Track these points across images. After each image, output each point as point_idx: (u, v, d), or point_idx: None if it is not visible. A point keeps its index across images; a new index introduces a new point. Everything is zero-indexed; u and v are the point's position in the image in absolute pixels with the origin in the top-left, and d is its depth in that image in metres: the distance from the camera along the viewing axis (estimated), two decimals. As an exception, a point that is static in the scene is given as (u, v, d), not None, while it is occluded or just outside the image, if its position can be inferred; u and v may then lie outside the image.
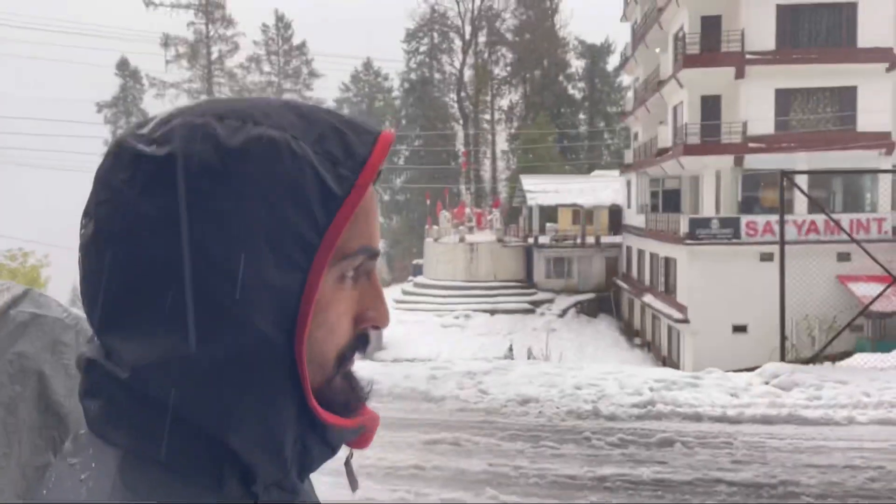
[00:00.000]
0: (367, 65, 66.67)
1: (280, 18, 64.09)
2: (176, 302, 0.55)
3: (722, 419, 6.71)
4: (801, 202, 20.59)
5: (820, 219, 20.82)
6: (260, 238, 0.56)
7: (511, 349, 21.86)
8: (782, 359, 8.77)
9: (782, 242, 8.98)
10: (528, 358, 21.38)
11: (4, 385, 1.60)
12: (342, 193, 0.59)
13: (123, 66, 63.38)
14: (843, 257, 20.31)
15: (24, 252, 26.09)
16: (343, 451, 0.68)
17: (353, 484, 0.72)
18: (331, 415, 0.62)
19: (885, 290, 8.90)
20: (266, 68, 64.29)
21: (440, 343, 30.07)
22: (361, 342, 0.65)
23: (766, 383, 7.79)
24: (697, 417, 6.76)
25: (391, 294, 40.80)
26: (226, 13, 60.43)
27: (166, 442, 0.57)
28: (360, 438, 0.67)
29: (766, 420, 6.66)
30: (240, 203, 0.56)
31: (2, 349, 1.63)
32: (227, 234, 0.55)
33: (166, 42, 59.01)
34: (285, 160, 0.57)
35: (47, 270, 25.69)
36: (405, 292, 39.59)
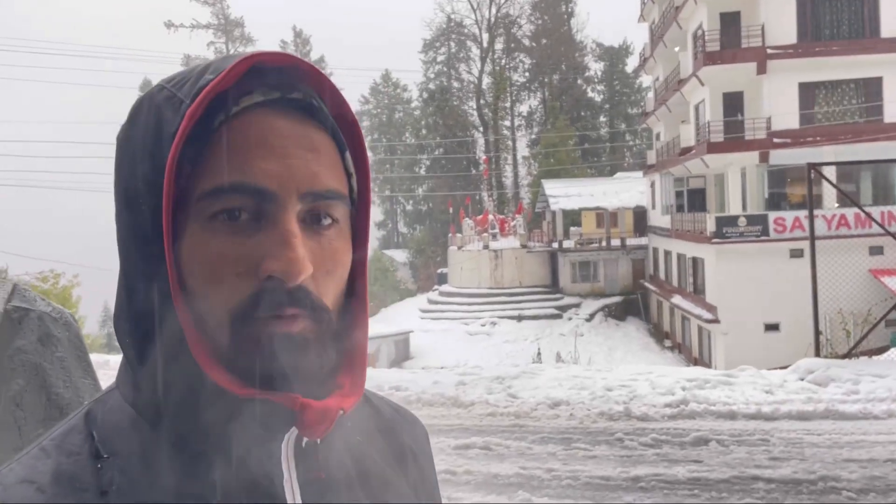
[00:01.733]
0: (386, 77, 67.11)
1: (298, 34, 64.79)
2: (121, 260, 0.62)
3: (757, 416, 6.60)
4: (829, 197, 20.25)
5: (850, 212, 20.45)
6: (120, 188, 0.61)
7: (539, 354, 21.73)
8: (817, 355, 8.61)
9: (812, 237, 8.82)
10: (557, 363, 21.23)
11: (9, 380, 1.59)
12: (174, 129, 0.57)
13: (146, 87, 64.08)
14: (876, 251, 19.90)
15: (56, 273, 26.53)
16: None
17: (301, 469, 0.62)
18: (220, 373, 0.57)
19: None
20: (286, 84, 64.95)
21: (467, 351, 30.01)
22: (267, 296, 0.57)
23: (802, 379, 7.65)
24: (732, 415, 6.65)
25: (417, 304, 40.87)
26: (245, 31, 61.27)
27: (125, 390, 0.63)
28: (303, 423, 0.59)
29: (802, 416, 6.53)
30: (118, 167, 0.62)
31: (2, 345, 1.63)
32: (115, 192, 0.62)
33: (187, 62, 59.89)
34: (141, 111, 0.61)
35: (77, 290, 26.09)
36: (431, 301, 39.60)
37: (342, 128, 0.65)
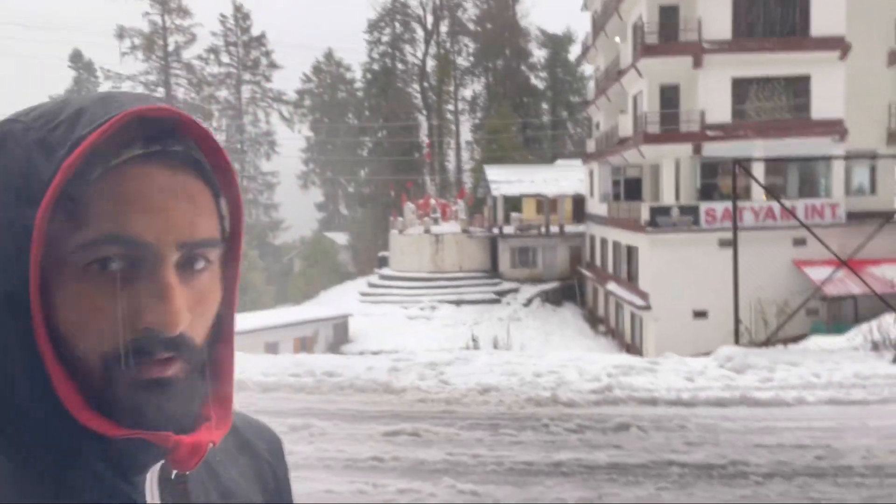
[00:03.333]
0: (329, 56, 66.06)
1: (238, 8, 63.03)
2: None
3: (677, 403, 6.84)
4: (758, 189, 20.99)
5: (776, 205, 21.25)
6: None
7: (474, 339, 21.96)
8: (736, 342, 8.97)
9: (735, 229, 9.17)
10: (494, 348, 21.50)
11: None
12: (48, 176, 0.56)
13: (77, 59, 61.87)
14: (799, 242, 20.77)
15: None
16: None
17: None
18: (95, 418, 0.58)
19: (832, 274, 9.14)
20: (225, 59, 63.23)
21: (406, 335, 30.08)
22: (142, 346, 0.58)
23: (721, 367, 7.96)
24: (653, 402, 6.88)
25: (357, 287, 40.68)
26: (182, 3, 59.21)
27: None
28: (175, 459, 0.61)
29: (719, 402, 6.81)
30: None
31: None
32: None
33: (121, 33, 57.70)
34: (11, 152, 0.59)
35: None
36: (371, 285, 39.49)
37: (217, 174, 0.65)
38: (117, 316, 0.57)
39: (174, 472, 0.63)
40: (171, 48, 59.50)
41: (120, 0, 58.89)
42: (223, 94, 63.20)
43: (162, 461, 0.62)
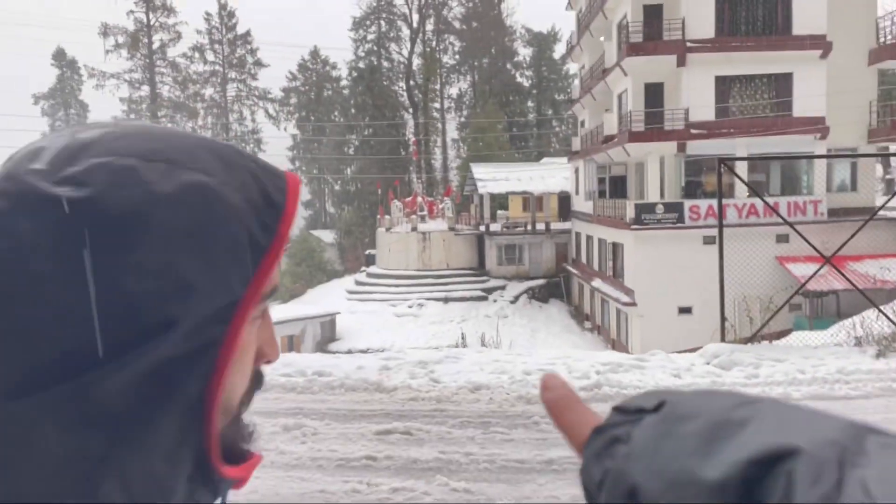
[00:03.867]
0: (315, 54, 65.89)
1: (223, 6, 62.71)
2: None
3: (665, 399, 6.94)
4: (742, 186, 21.20)
5: (759, 202, 21.48)
6: (188, 292, 0.51)
7: (463, 337, 22.04)
8: (723, 339, 9.09)
9: (720, 226, 9.27)
10: (482, 345, 21.60)
11: None
12: (266, 243, 0.57)
13: (60, 57, 61.26)
14: (782, 239, 20.99)
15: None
16: None
17: None
18: (229, 468, 0.57)
19: (817, 271, 9.29)
20: (210, 57, 62.93)
21: (394, 332, 30.13)
22: (258, 381, 0.62)
23: (708, 363, 8.07)
24: (642, 398, 6.98)
25: (344, 285, 40.65)
26: (167, 1, 58.84)
27: None
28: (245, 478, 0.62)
29: (706, 399, 6.91)
30: (168, 255, 0.50)
31: None
32: (149, 287, 0.49)
33: (105, 31, 57.24)
34: (217, 209, 0.53)
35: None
36: (358, 283, 39.48)
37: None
38: (253, 356, 0.60)
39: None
40: (155, 46, 59.14)
41: (102, -3, 58.34)
42: (208, 92, 62.95)
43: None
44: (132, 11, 58.30)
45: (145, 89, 59.63)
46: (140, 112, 58.24)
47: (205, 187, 0.53)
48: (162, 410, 0.50)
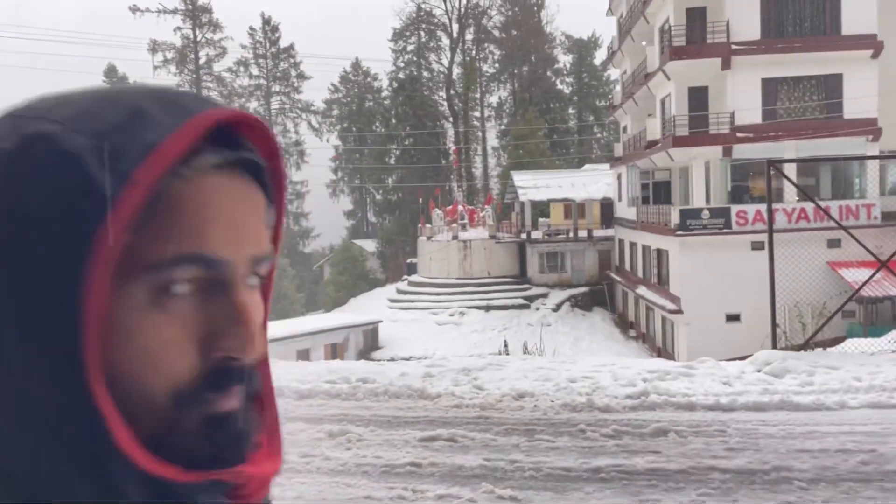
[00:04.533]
0: (356, 65, 66.66)
1: (267, 21, 63.96)
2: None
3: (715, 407, 6.77)
4: (790, 190, 20.69)
5: (809, 206, 20.93)
6: (22, 257, 0.47)
7: (506, 345, 21.93)
8: (774, 346, 8.85)
9: (770, 231, 9.05)
10: (525, 353, 21.43)
11: None
12: (113, 192, 0.47)
13: (111, 73, 63.22)
14: (834, 244, 20.42)
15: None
16: None
17: None
18: (159, 464, 0.49)
19: (873, 275, 8.99)
20: (255, 71, 64.21)
21: (436, 341, 30.14)
22: (217, 377, 0.52)
23: (759, 371, 7.86)
24: (691, 406, 6.82)
25: (386, 293, 40.84)
26: (213, 17, 60.29)
27: None
28: (244, 495, 0.55)
29: (758, 407, 6.72)
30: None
31: None
32: None
33: (154, 48, 58.86)
34: (50, 161, 0.48)
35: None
36: (400, 291, 39.65)
37: (273, 178, 0.59)
38: (191, 345, 0.51)
39: None
40: (202, 61, 60.60)
41: (152, 16, 60.10)
42: (253, 105, 64.12)
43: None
44: (179, 28, 59.87)
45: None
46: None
47: (43, 136, 0.48)
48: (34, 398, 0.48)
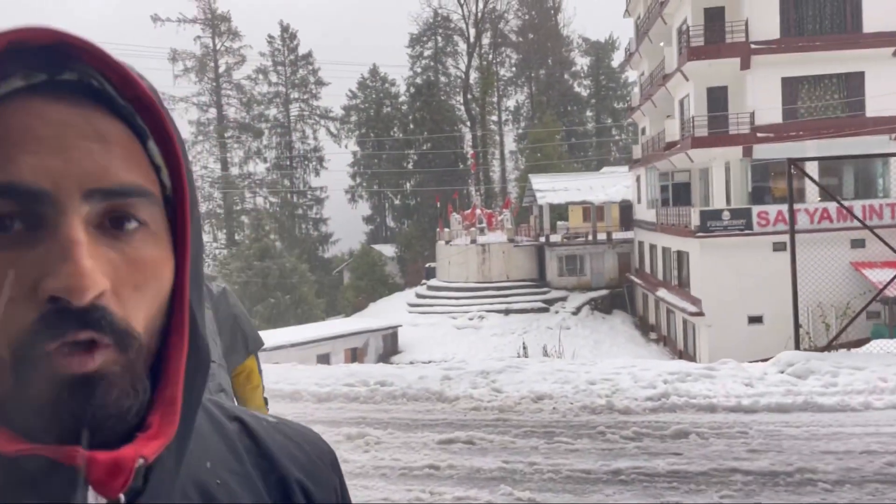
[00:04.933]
0: (374, 71, 66.88)
1: (285, 29, 64.42)
2: None
3: (737, 409, 6.69)
4: (812, 190, 20.44)
5: (832, 206, 20.68)
6: None
7: (525, 348, 21.86)
8: (797, 347, 8.73)
9: (792, 231, 8.94)
10: (544, 356, 21.37)
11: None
12: None
13: (131, 82, 63.90)
14: (857, 244, 20.17)
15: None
16: None
17: None
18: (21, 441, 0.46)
19: (898, 275, 8.83)
20: (273, 79, 64.63)
21: (455, 344, 30.12)
22: (47, 322, 0.46)
23: (782, 372, 7.75)
24: (712, 408, 6.74)
25: (405, 298, 40.89)
26: (232, 26, 60.84)
27: None
28: (93, 481, 0.47)
29: (781, 409, 6.63)
30: None
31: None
32: None
33: (174, 57, 59.49)
34: None
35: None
36: (419, 296, 39.67)
37: (140, 112, 0.53)
38: (16, 289, 0.46)
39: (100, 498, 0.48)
40: (221, 69, 61.14)
41: (172, 25, 60.84)
42: (272, 112, 64.56)
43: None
44: (199, 37, 60.49)
45: (213, 111, 61.61)
46: (207, 133, 60.20)
47: None
48: None
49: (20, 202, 0.46)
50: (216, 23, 60.41)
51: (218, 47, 60.88)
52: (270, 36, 64.37)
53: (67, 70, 0.50)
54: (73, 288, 0.45)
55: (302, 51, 65.04)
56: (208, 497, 0.57)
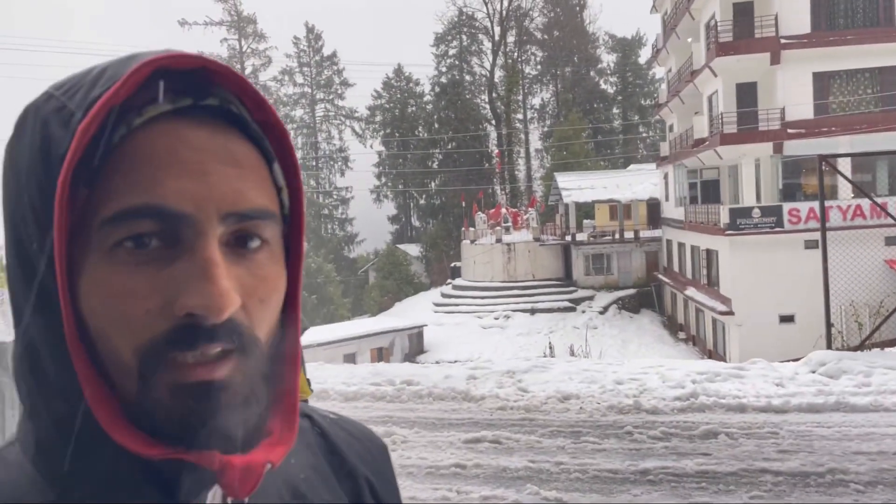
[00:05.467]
0: (398, 71, 67.08)
1: (310, 30, 64.91)
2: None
3: (767, 409, 6.60)
4: (845, 187, 20.05)
5: (865, 203, 20.28)
6: (7, 214, 0.53)
7: (551, 348, 21.77)
8: (829, 347, 8.59)
9: (823, 229, 8.79)
10: (571, 355, 21.23)
11: None
12: (65, 148, 0.49)
13: (160, 86, 64.85)
14: (892, 241, 19.75)
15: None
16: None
17: None
18: (125, 432, 0.49)
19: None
20: (299, 80, 65.19)
21: (481, 344, 30.08)
22: (181, 336, 0.49)
23: (813, 372, 7.63)
24: (742, 408, 6.66)
25: (430, 297, 40.95)
26: (258, 28, 61.48)
27: (25, 445, 0.55)
28: (225, 484, 0.50)
29: (812, 409, 6.53)
30: (4, 186, 0.54)
31: None
32: (3, 217, 0.54)
33: (201, 59, 60.24)
34: (27, 124, 0.53)
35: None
36: (444, 295, 39.69)
37: (268, 135, 0.56)
38: (153, 302, 0.49)
39: (229, 499, 0.52)
40: (248, 71, 61.74)
41: (199, 28, 61.60)
42: (298, 113, 65.10)
43: (217, 488, 0.51)
44: (225, 39, 61.19)
45: (239, 112, 62.34)
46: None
47: (26, 108, 0.54)
48: (28, 346, 0.51)
49: (162, 222, 0.49)
50: (242, 25, 61.08)
51: (244, 49, 61.54)
52: (296, 37, 64.94)
53: (210, 95, 0.53)
54: (213, 307, 0.48)
55: (327, 51, 65.51)
56: (296, 493, 0.61)
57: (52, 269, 0.49)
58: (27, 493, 0.51)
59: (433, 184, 62.96)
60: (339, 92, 65.77)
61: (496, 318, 34.14)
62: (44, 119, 0.51)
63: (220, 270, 0.49)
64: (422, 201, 64.70)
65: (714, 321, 24.91)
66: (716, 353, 24.21)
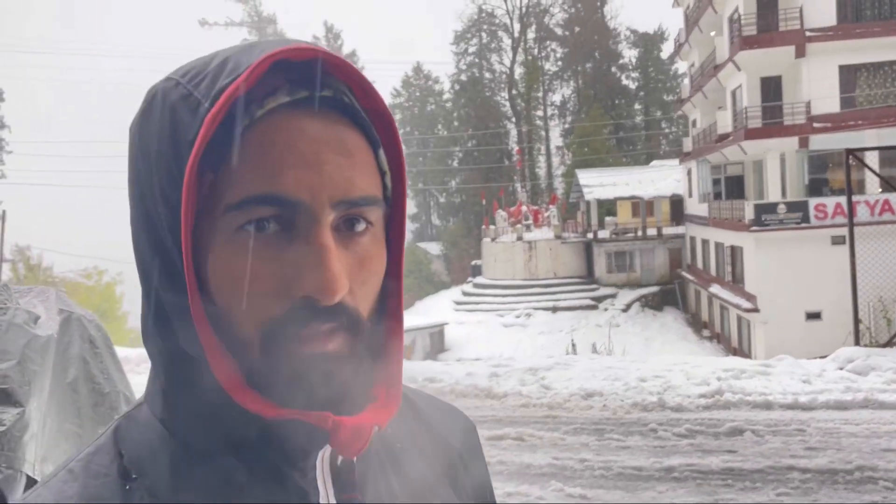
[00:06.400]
0: (418, 69, 67.17)
1: (329, 29, 65.20)
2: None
3: (794, 406, 6.52)
4: (873, 182, 19.72)
5: (894, 197, 19.93)
6: (135, 193, 0.57)
7: (574, 346, 21.67)
8: (857, 343, 8.46)
9: (851, 224, 8.66)
10: (594, 353, 21.11)
11: (66, 370, 1.97)
12: (193, 133, 0.52)
13: (183, 87, 65.57)
14: (922, 236, 19.38)
15: (100, 270, 27.25)
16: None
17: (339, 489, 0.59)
18: (247, 395, 0.54)
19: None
20: (319, 79, 65.50)
21: (502, 342, 30.02)
22: (299, 315, 0.53)
23: (841, 369, 7.53)
24: (768, 405, 6.59)
25: (451, 296, 40.95)
26: (278, 28, 61.88)
27: (154, 405, 0.60)
28: (337, 442, 0.55)
29: (840, 406, 6.44)
30: (131, 165, 0.58)
31: (60, 341, 2.01)
32: (130, 195, 0.58)
33: (223, 60, 60.84)
34: (154, 109, 0.56)
35: (120, 287, 26.77)
36: (465, 293, 39.67)
37: (375, 122, 0.59)
38: (273, 283, 0.53)
39: (339, 458, 0.58)
40: (268, 71, 62.25)
41: (220, 28, 62.09)
42: (318, 112, 65.38)
43: (328, 447, 0.57)
44: (246, 39, 61.68)
45: (261, 113, 62.88)
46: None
47: (152, 91, 0.57)
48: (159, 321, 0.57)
49: (280, 210, 0.53)
50: (262, 25, 61.51)
51: (251, 41, 62.06)
52: (315, 36, 65.17)
53: (325, 87, 0.56)
54: (326, 291, 0.53)
55: (346, 50, 65.72)
56: (394, 460, 0.66)
57: (179, 246, 0.53)
58: (159, 450, 0.57)
59: (453, 182, 62.96)
60: (360, 91, 66.01)
61: (517, 317, 34.06)
62: (172, 105, 0.55)
63: (333, 255, 0.53)
64: (442, 199, 64.74)
65: (739, 318, 24.65)
66: (741, 351, 23.96)
